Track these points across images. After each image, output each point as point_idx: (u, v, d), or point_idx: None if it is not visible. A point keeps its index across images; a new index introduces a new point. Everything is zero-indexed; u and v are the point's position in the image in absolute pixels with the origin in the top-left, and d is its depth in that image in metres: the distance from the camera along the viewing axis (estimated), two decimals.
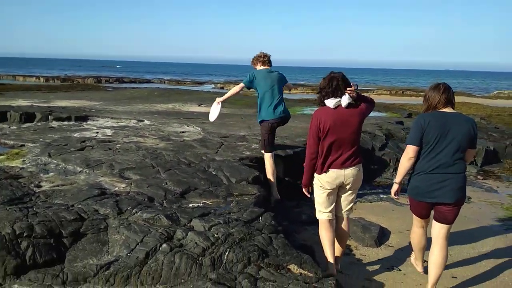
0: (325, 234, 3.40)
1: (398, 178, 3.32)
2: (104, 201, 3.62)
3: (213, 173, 4.75)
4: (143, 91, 19.81)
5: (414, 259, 3.80)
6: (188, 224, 3.29)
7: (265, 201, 4.26)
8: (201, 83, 46.80)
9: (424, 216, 3.39)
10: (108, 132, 6.83)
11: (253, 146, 6.06)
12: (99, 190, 3.89)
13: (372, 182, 7.06)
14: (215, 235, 3.08)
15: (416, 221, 3.48)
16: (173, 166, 4.81)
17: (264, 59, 5.16)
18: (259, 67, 5.16)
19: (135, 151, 5.40)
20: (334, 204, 3.42)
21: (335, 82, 3.22)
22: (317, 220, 3.46)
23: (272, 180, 5.06)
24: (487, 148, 8.80)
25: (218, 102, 5.38)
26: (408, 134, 3.27)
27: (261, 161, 5.46)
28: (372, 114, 4.13)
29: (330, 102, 3.22)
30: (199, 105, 14.34)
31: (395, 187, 3.38)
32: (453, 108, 3.21)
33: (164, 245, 2.94)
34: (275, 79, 5.07)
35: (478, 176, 7.83)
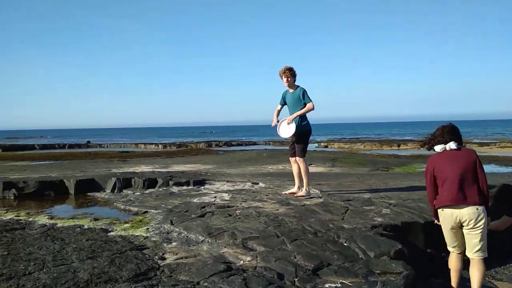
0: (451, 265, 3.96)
1: None
2: (231, 278, 3.23)
3: (345, 244, 4.15)
4: (251, 153, 20.17)
5: None
6: None
7: (414, 282, 3.52)
8: None
9: None
10: (226, 196, 6.67)
11: (383, 211, 5.35)
12: (225, 265, 3.53)
13: None
14: None
15: None
16: (298, 236, 4.33)
17: None
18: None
19: (255, 218, 5.06)
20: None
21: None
22: None
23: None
24: None
25: (289, 122, 6.22)
26: None
27: (399, 230, 4.75)
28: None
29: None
30: (309, 165, 13.94)
31: None
32: None
33: None
34: None
35: None
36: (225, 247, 4.13)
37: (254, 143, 47.32)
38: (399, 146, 35.20)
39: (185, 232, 4.69)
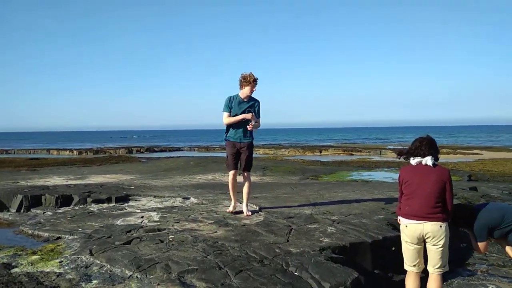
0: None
1: None
2: None
3: (296, 273, 3.72)
4: (178, 161, 19.28)
5: None
6: None
7: None
8: None
9: None
10: (155, 216, 5.95)
11: (328, 230, 5.03)
12: None
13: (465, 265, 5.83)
14: None
15: None
16: (243, 266, 3.82)
17: None
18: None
19: (192, 244, 4.45)
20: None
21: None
22: None
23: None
24: None
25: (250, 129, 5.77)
26: None
27: (347, 251, 4.44)
28: None
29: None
30: (240, 174, 13.49)
31: None
32: None
33: None
34: None
35: None
36: (158, 284, 3.50)
37: (179, 149, 46.04)
38: (320, 152, 36.30)
39: (108, 266, 3.96)
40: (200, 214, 6.01)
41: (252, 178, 12.27)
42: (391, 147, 42.65)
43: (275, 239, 4.68)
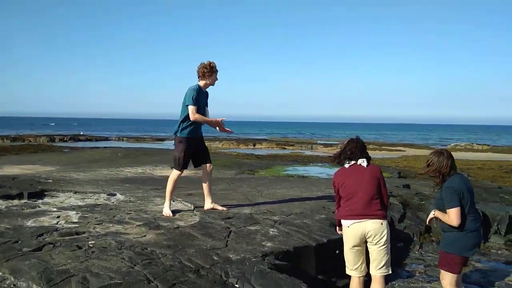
0: None
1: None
2: None
3: (237, 286, 3.29)
4: (104, 152, 18.04)
5: None
6: None
7: None
8: (162, 140, 45.20)
9: (461, 270, 3.71)
10: (74, 216, 5.20)
11: (270, 232, 4.66)
12: None
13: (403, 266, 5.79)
14: None
15: (454, 281, 3.64)
16: (177, 278, 3.31)
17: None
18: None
19: (116, 251, 3.84)
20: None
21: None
22: None
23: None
24: (510, 214, 7.81)
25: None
26: (448, 200, 3.54)
27: (291, 256, 4.10)
28: None
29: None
30: (171, 168, 12.79)
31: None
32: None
33: None
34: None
35: None
36: None
37: (106, 139, 43.78)
38: (254, 145, 36.31)
39: (12, 278, 3.27)
40: (127, 214, 5.36)
41: (186, 173, 11.70)
42: (322, 142, 43.92)
43: (212, 243, 4.21)
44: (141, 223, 4.85)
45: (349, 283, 3.86)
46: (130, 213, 5.39)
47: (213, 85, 5.39)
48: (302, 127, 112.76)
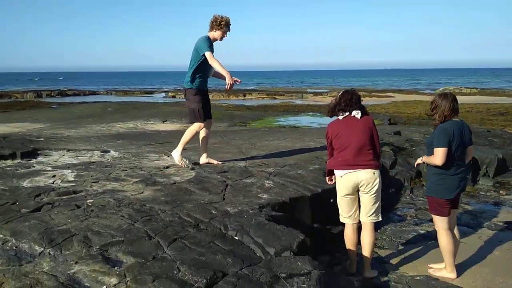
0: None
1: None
2: None
3: (237, 238, 3.38)
4: (94, 107, 17.81)
5: (447, 266, 3.86)
6: None
7: (325, 281, 2.96)
8: (151, 93, 44.65)
9: (450, 212, 3.82)
10: (69, 175, 5.21)
11: (266, 184, 4.74)
12: None
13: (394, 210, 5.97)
14: None
15: (445, 224, 3.81)
16: (177, 233, 3.39)
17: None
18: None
19: (115, 209, 3.89)
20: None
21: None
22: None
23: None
24: (498, 157, 8.00)
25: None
26: (437, 139, 3.67)
27: (287, 207, 4.20)
28: None
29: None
30: (164, 122, 12.75)
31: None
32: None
33: None
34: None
35: (501, 191, 6.95)
36: (76, 262, 2.96)
37: (94, 93, 43.14)
38: (244, 96, 36.05)
39: (13, 240, 3.31)
40: (123, 171, 5.38)
41: (177, 126, 11.69)
42: (311, 90, 43.69)
43: (210, 197, 4.28)
44: (138, 179, 4.89)
45: (344, 230, 4.01)
46: (126, 170, 5.41)
47: (220, 40, 5.27)
48: (290, 76, 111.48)
